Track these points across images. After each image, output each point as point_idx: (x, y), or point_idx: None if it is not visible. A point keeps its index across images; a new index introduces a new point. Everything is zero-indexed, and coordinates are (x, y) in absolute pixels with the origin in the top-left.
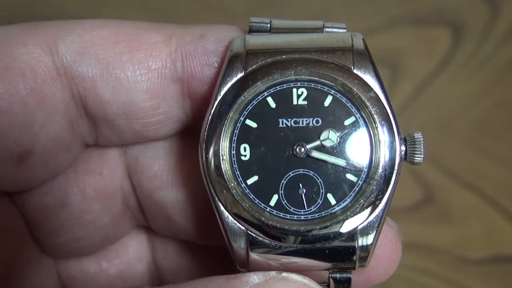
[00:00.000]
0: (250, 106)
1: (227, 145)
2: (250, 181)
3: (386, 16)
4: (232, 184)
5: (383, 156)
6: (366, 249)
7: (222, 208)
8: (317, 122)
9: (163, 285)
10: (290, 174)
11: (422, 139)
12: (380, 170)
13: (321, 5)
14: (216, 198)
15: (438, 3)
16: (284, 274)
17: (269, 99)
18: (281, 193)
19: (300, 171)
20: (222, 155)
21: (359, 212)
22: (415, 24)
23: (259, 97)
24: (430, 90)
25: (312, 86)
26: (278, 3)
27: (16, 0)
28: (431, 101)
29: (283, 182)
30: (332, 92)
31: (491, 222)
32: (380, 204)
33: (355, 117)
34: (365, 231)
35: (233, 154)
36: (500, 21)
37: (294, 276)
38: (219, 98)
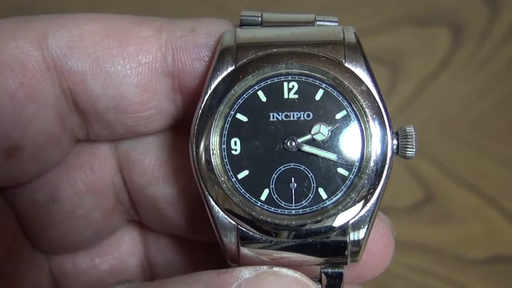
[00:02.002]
0: (241, 100)
1: (218, 139)
2: (240, 176)
3: (386, 16)
4: (222, 179)
5: (375, 150)
6: (358, 243)
7: (212, 203)
8: (308, 116)
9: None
10: (281, 169)
11: (414, 133)
12: (372, 164)
13: (321, 6)
14: (207, 193)
15: (438, 3)
16: (275, 268)
17: (260, 93)
18: (272, 187)
19: (291, 165)
20: (212, 150)
21: (351, 206)
22: (415, 24)
23: (250, 91)
24: (430, 90)
25: (303, 79)
26: (277, 3)
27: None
28: (431, 101)
29: (274, 177)
30: (323, 85)
31: (491, 222)
32: (371, 199)
33: (347, 111)
34: (356, 226)
35: (224, 148)
36: (500, 21)
37: (285, 271)
38: (209, 92)
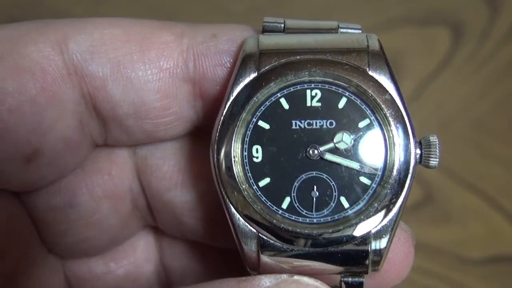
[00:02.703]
0: (263, 107)
1: (239, 146)
2: (262, 183)
3: (386, 16)
4: (243, 186)
5: (398, 159)
6: (379, 253)
7: (233, 210)
8: (331, 124)
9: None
10: (302, 177)
11: (437, 142)
12: (395, 173)
13: (321, 5)
14: (227, 200)
15: (438, 3)
16: (296, 277)
17: (282, 100)
18: (294, 195)
19: (313, 173)
20: (233, 157)
21: (373, 215)
22: (415, 24)
23: (272, 98)
24: (430, 90)
25: (327, 87)
26: (278, 3)
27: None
28: (431, 101)
29: (295, 185)
30: (347, 94)
31: (491, 222)
32: (394, 208)
33: (370, 119)
34: (378, 235)
35: (245, 155)
36: (500, 21)
37: (306, 279)
38: (231, 98)
